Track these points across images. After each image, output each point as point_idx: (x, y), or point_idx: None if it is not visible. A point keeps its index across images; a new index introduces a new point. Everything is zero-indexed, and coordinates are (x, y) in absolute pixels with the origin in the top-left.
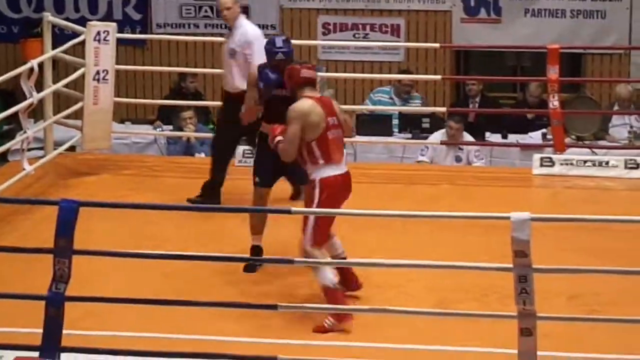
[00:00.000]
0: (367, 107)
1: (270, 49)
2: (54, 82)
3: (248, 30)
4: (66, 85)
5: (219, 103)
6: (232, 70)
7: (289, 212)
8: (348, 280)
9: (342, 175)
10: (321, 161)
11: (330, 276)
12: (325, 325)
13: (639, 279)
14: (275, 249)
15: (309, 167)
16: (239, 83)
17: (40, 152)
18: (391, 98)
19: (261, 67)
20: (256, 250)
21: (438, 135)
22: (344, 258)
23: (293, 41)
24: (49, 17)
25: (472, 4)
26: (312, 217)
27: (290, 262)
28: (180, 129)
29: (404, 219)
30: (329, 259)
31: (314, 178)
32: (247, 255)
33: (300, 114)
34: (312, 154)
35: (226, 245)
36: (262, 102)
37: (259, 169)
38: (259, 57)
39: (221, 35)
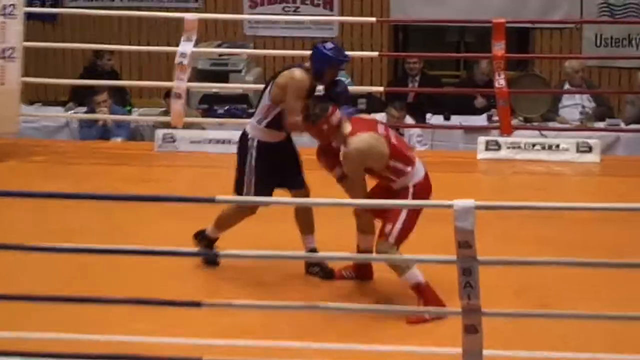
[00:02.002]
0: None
1: (337, 55)
2: None
3: None
4: None
5: (136, 83)
6: None
7: (212, 200)
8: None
9: (425, 171)
10: (408, 169)
11: (419, 273)
12: (425, 316)
13: (591, 271)
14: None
15: (400, 182)
16: None
17: None
18: None
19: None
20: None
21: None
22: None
23: (216, 16)
24: None
25: None
26: (403, 216)
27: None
28: (94, 112)
29: (337, 208)
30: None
31: (406, 186)
32: (174, 248)
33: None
34: (396, 170)
35: (145, 237)
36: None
37: (258, 188)
38: None
39: (139, 8)
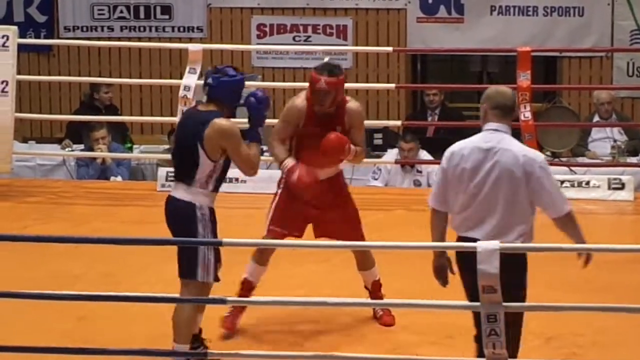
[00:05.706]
0: None
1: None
2: None
3: None
4: None
5: (137, 118)
6: None
7: (220, 243)
8: None
9: None
10: None
11: None
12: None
13: (623, 317)
14: None
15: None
16: None
17: None
18: None
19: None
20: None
21: (391, 156)
22: None
23: (222, 46)
24: None
25: (430, 1)
26: None
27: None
28: (92, 149)
29: (351, 251)
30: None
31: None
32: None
33: None
34: None
35: (146, 283)
36: None
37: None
38: None
39: (139, 39)
